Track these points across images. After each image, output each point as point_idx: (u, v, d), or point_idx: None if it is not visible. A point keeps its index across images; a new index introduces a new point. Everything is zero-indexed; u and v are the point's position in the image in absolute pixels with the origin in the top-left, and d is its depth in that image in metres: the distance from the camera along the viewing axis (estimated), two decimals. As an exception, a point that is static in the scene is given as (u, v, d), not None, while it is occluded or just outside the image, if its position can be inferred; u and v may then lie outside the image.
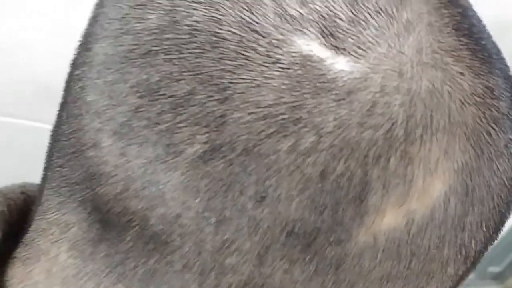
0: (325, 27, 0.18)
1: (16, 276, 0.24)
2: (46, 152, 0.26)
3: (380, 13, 0.18)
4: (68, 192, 0.22)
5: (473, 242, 0.20)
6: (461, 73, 0.18)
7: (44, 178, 0.24)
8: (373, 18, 0.18)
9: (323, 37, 0.18)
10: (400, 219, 0.19)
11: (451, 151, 0.18)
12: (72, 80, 0.23)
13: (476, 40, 0.19)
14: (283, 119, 0.18)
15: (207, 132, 0.18)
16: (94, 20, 0.22)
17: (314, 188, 0.18)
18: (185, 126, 0.18)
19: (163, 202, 0.19)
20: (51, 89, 0.84)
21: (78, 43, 0.24)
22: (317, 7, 0.18)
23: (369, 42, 0.18)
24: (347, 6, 0.18)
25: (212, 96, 0.18)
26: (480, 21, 0.20)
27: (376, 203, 0.18)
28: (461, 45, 0.19)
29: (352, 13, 0.18)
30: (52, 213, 0.23)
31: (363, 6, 0.18)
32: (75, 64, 0.23)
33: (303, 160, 0.18)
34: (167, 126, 0.19)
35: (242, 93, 0.18)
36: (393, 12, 0.18)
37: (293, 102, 0.17)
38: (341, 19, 0.18)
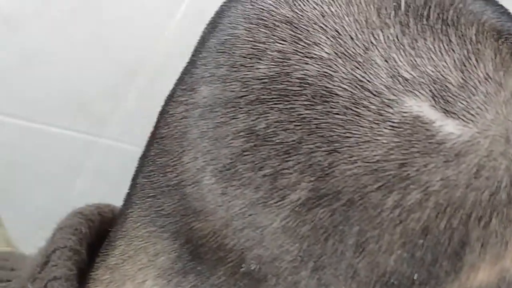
0: (436, 91, 0.18)
1: None
2: (132, 180, 0.26)
3: (488, 80, 0.19)
4: (160, 222, 0.23)
5: None
6: None
7: (130, 205, 0.25)
8: (482, 85, 0.19)
9: (434, 99, 0.18)
10: (493, 276, 0.19)
11: None
12: (171, 116, 0.23)
13: None
14: (390, 175, 0.18)
15: (312, 181, 0.19)
16: (198, 62, 0.23)
17: (415, 243, 0.19)
18: (291, 173, 0.19)
19: (262, 243, 0.20)
20: (82, 99, 0.85)
21: (177, 81, 0.25)
22: (428, 71, 0.19)
23: (478, 107, 0.18)
24: (457, 71, 0.19)
25: (320, 147, 0.19)
26: None
27: (473, 260, 0.19)
28: None
29: (462, 78, 0.19)
30: (141, 241, 0.24)
31: (472, 72, 0.19)
32: (176, 101, 0.23)
33: (407, 215, 0.18)
34: (272, 171, 0.20)
35: (351, 146, 0.19)
36: (501, 80, 0.19)
37: (402, 159, 0.18)
38: (451, 84, 0.19)
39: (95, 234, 0.27)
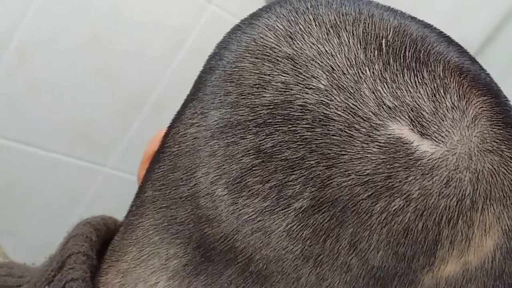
0: (414, 117, 0.21)
1: None
2: (137, 194, 0.27)
3: (454, 109, 0.21)
4: (173, 230, 0.24)
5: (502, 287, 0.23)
6: (511, 158, 0.22)
7: (139, 215, 0.26)
8: (449, 112, 0.22)
9: (412, 124, 0.21)
10: (458, 268, 0.22)
11: (502, 217, 0.22)
12: (182, 136, 0.25)
13: None
14: (378, 185, 0.21)
15: (313, 191, 0.21)
16: (206, 90, 0.25)
17: (398, 241, 0.21)
18: (295, 185, 0.21)
19: (268, 245, 0.22)
20: (87, 128, 0.85)
21: (185, 104, 0.26)
22: (407, 101, 0.21)
23: (447, 131, 0.21)
24: (429, 101, 0.22)
25: (319, 163, 0.21)
26: None
27: (443, 255, 0.21)
28: (510, 135, 0.22)
29: (434, 107, 0.21)
30: (154, 247, 0.25)
31: (441, 102, 0.22)
32: (186, 123, 0.25)
33: (392, 218, 0.21)
34: (278, 183, 0.21)
35: (346, 162, 0.21)
36: (463, 108, 0.22)
37: (387, 173, 0.21)
38: (425, 111, 0.21)
39: (101, 243, 0.28)
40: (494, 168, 0.21)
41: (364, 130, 0.21)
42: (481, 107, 0.22)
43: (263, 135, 0.22)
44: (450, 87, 0.22)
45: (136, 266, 0.25)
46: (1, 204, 0.83)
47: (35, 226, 0.87)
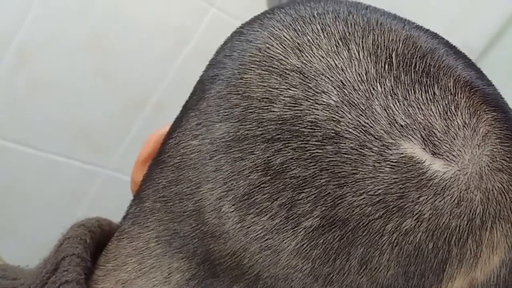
0: (426, 136, 0.21)
1: None
2: (135, 202, 0.26)
3: (465, 127, 0.21)
4: (176, 244, 0.23)
5: None
6: None
7: (138, 225, 0.25)
8: (461, 131, 0.21)
9: (424, 143, 0.21)
10: (465, 284, 0.22)
11: (509, 234, 0.22)
12: (185, 148, 0.24)
13: None
14: (390, 205, 0.20)
15: (324, 210, 0.21)
16: (210, 101, 0.24)
17: (408, 261, 0.21)
18: (305, 203, 0.21)
19: (277, 264, 0.21)
20: (87, 129, 0.85)
21: (184, 112, 0.25)
22: (419, 119, 0.21)
23: (458, 150, 0.21)
24: (441, 120, 0.21)
25: (330, 181, 0.21)
26: None
27: (451, 272, 0.21)
28: None
29: (445, 126, 0.21)
30: (156, 259, 0.24)
31: (452, 120, 0.21)
32: (188, 134, 0.24)
33: (403, 238, 0.20)
34: (287, 201, 0.21)
35: (357, 181, 0.20)
36: (474, 126, 0.21)
37: (399, 193, 0.20)
38: (437, 130, 0.21)
39: (96, 245, 0.27)
40: (504, 187, 0.21)
41: (376, 149, 0.20)
42: (491, 124, 0.22)
43: (272, 151, 0.21)
44: (461, 103, 0.22)
45: (136, 278, 0.24)
46: (1, 204, 0.82)
47: (35, 226, 0.86)
